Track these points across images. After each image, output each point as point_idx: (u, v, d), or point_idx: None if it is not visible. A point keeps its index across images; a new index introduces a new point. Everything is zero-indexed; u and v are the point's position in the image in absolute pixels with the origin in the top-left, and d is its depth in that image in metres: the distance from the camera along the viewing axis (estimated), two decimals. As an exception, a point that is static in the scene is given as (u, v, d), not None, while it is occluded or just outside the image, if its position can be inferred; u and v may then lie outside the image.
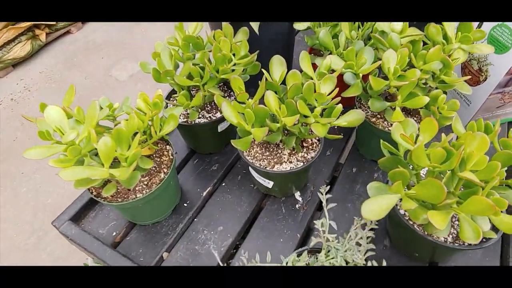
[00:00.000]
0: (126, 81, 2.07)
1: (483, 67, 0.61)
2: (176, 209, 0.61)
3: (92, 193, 0.51)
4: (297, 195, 0.61)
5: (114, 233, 0.59)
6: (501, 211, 0.38)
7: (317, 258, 0.43)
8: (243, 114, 0.50)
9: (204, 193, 0.63)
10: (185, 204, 0.61)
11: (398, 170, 0.38)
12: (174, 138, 0.72)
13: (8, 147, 1.70)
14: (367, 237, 0.42)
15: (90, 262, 0.79)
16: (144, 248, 0.56)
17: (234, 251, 0.57)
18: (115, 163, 0.48)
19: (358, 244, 0.46)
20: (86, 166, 0.42)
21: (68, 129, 0.44)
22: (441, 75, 0.52)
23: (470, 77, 0.62)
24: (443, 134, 0.41)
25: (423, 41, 0.56)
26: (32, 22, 2.10)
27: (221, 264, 0.50)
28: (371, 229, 0.42)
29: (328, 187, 0.47)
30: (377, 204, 0.39)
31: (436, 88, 0.53)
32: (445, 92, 0.54)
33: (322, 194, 0.45)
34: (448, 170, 0.38)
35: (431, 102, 0.52)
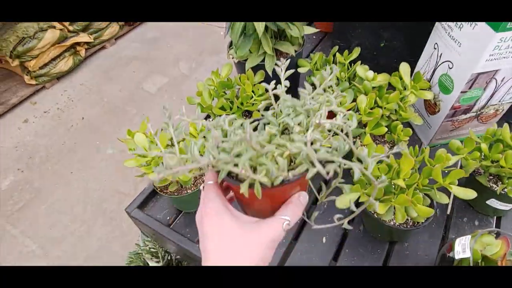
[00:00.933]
0: (155, 94, 2.34)
1: (437, 102, 0.82)
2: (211, 202, 0.85)
3: (157, 189, 0.76)
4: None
5: (168, 217, 0.83)
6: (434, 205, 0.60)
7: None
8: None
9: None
10: (217, 199, 0.86)
11: (359, 178, 0.61)
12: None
13: (58, 151, 1.99)
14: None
15: (141, 243, 1.05)
16: (189, 228, 0.80)
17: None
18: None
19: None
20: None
21: (148, 147, 0.69)
22: (400, 111, 0.75)
23: (417, 114, 0.83)
24: (391, 155, 0.64)
25: (389, 83, 0.78)
26: (75, 40, 2.40)
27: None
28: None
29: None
30: (344, 199, 0.62)
31: (396, 119, 0.76)
32: (407, 123, 0.76)
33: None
34: (389, 178, 0.61)
35: (392, 129, 0.75)
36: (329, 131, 0.37)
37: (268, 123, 0.39)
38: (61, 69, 2.41)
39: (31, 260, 1.51)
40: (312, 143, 0.33)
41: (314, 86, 0.41)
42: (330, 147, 0.35)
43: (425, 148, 0.65)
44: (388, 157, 0.63)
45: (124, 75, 2.49)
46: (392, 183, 0.60)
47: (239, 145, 0.33)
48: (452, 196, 0.81)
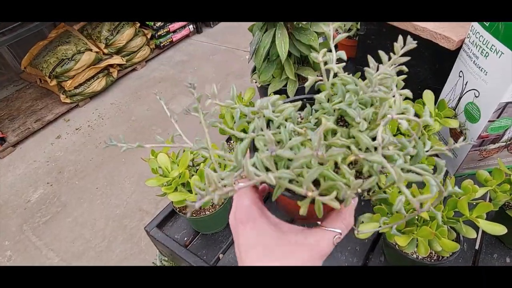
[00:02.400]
0: (180, 113, 2.42)
1: (463, 130, 0.80)
2: (229, 225, 0.85)
3: (176, 209, 0.77)
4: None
5: (185, 238, 0.84)
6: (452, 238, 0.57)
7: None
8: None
9: (249, 214, 0.87)
10: (235, 221, 0.85)
11: (379, 207, 0.60)
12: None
13: (85, 166, 2.07)
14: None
15: (158, 262, 1.05)
16: (206, 250, 0.80)
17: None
18: (195, 190, 0.74)
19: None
20: (182, 192, 0.68)
21: (170, 168, 0.70)
22: (423, 140, 0.73)
23: (441, 143, 0.81)
24: (414, 184, 0.62)
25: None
26: (108, 62, 2.54)
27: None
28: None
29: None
30: (364, 228, 0.60)
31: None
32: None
33: None
34: (411, 209, 0.59)
35: (415, 158, 0.73)
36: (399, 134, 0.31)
37: (318, 110, 0.31)
38: (94, 89, 2.55)
39: (52, 273, 1.55)
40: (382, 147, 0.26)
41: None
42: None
43: (451, 177, 0.62)
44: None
45: (151, 96, 2.60)
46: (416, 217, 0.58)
47: (296, 149, 0.27)
48: (480, 231, 0.77)
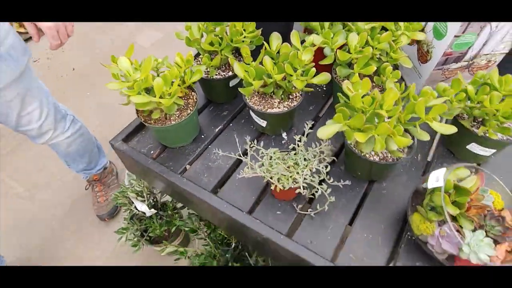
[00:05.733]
0: (148, 48, 2.28)
1: (429, 49, 0.81)
2: (196, 139, 0.85)
3: (141, 118, 0.75)
4: (284, 134, 0.84)
5: (152, 152, 0.83)
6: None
7: (288, 154, 0.68)
8: (248, 71, 0.72)
9: (216, 130, 0.86)
10: (202, 136, 0.85)
11: (340, 107, 0.61)
12: (197, 90, 0.95)
13: (47, 99, 1.95)
14: (322, 152, 0.66)
15: (126, 181, 1.05)
16: (173, 162, 0.81)
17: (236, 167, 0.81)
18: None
19: (323, 160, 0.70)
20: (145, 95, 0.65)
21: (132, 72, 0.67)
22: (390, 53, 0.74)
23: (407, 57, 0.82)
24: (375, 89, 0.63)
25: (382, 27, 0.77)
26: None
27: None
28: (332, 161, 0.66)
29: (310, 126, 0.70)
30: (326, 129, 0.62)
31: (386, 61, 0.75)
32: (396, 66, 0.76)
33: (307, 125, 0.68)
34: (372, 109, 0.61)
35: (381, 71, 0.74)
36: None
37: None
38: (51, 18, 2.32)
39: (16, 202, 1.52)
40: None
41: None
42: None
43: (411, 85, 0.64)
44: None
45: (116, 28, 2.42)
46: (375, 114, 0.60)
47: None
48: (435, 143, 0.82)
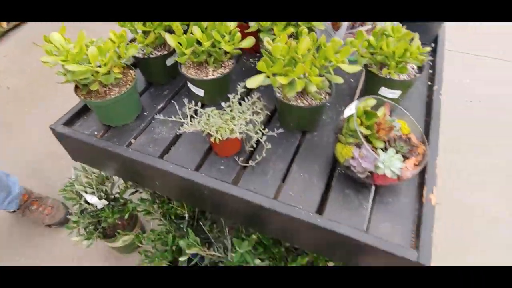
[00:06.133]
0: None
1: (340, 17, 0.94)
2: (139, 116, 0.88)
3: (79, 96, 0.77)
4: (223, 104, 0.90)
5: (96, 133, 0.85)
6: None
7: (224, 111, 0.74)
8: (180, 42, 0.78)
9: (158, 107, 0.90)
10: (145, 113, 0.89)
11: (263, 58, 0.69)
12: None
13: (-21, 120, 1.83)
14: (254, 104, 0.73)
15: (73, 175, 1.04)
16: (117, 138, 0.83)
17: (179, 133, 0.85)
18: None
19: (256, 113, 0.76)
20: (81, 65, 0.68)
21: (66, 46, 0.70)
22: (305, 18, 0.84)
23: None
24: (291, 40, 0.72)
25: None
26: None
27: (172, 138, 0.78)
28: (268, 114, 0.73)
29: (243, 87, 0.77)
30: (254, 79, 0.69)
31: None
32: (311, 29, 0.87)
33: (239, 86, 0.75)
34: (289, 56, 0.69)
35: (299, 34, 0.84)
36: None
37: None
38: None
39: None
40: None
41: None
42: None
43: (322, 35, 0.74)
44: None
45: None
46: (292, 59, 0.69)
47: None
48: (357, 95, 0.93)
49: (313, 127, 0.83)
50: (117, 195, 1.06)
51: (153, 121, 0.87)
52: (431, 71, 0.99)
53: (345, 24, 0.92)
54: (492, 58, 2.14)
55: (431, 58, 1.02)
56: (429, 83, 0.95)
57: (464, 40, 2.22)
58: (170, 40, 0.78)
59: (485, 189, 1.51)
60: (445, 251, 1.29)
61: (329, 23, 0.99)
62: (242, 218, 0.77)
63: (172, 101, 0.93)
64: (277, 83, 0.68)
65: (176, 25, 0.80)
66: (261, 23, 0.82)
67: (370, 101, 0.69)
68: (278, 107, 0.82)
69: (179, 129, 0.83)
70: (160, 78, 0.96)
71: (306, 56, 0.68)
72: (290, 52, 0.68)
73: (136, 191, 1.03)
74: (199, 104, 0.78)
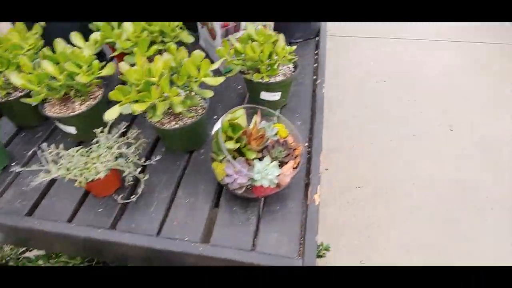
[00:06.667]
0: None
1: (213, 26, 0.91)
2: (5, 168, 0.77)
3: None
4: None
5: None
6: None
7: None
8: (29, 80, 0.70)
9: (29, 153, 0.81)
10: (13, 163, 0.78)
11: (118, 87, 0.63)
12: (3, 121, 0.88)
13: None
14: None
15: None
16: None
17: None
18: None
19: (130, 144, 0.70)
20: None
21: None
22: (168, 32, 0.80)
23: (188, 33, 0.91)
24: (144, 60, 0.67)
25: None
26: None
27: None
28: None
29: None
30: (111, 111, 0.63)
31: (170, 42, 0.81)
32: (183, 44, 0.83)
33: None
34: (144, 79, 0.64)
35: (169, 50, 0.80)
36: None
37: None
38: None
39: None
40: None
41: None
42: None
43: (181, 49, 0.70)
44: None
45: None
46: (148, 83, 0.64)
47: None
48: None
49: (198, 144, 0.79)
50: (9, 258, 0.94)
51: (22, 172, 0.78)
52: (315, 65, 1.00)
53: (218, 32, 0.89)
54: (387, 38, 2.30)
55: (297, 56, 1.03)
56: (314, 77, 0.96)
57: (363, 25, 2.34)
58: (16, 79, 0.69)
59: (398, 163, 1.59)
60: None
61: (207, 33, 0.96)
62: (136, 261, 0.71)
63: (46, 142, 0.84)
64: (137, 111, 0.63)
65: (24, 61, 0.72)
66: (122, 45, 0.76)
67: (238, 112, 0.66)
68: (160, 134, 0.77)
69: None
70: (30, 120, 0.86)
71: (163, 77, 0.64)
72: (143, 75, 0.63)
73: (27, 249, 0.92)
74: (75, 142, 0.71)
